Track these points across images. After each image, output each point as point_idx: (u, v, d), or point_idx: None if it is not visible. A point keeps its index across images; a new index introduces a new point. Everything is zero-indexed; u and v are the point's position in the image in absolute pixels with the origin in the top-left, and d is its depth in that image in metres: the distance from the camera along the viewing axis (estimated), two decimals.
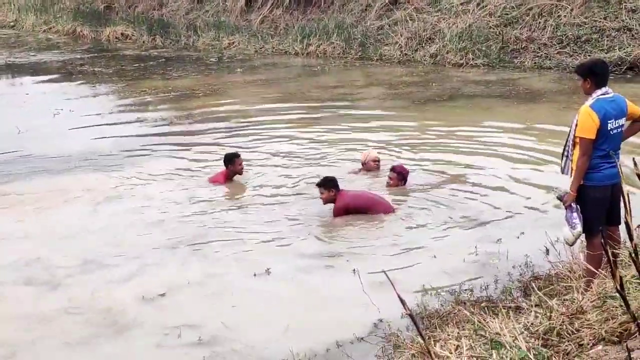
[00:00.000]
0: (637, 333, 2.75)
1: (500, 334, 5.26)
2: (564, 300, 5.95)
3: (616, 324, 4.96)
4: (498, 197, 10.97)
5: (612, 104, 6.94)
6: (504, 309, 6.36)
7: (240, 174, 12.33)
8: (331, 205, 10.60)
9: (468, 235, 9.57)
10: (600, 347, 4.83)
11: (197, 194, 11.72)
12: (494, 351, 5.04)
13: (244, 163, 12.41)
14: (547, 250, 8.31)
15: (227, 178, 12.25)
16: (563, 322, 5.25)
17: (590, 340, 4.96)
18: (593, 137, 6.84)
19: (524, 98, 18.09)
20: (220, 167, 12.48)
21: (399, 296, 2.36)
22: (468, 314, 6.20)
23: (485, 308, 6.72)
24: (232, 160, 12.22)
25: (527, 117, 15.84)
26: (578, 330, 5.12)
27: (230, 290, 8.35)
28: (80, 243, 9.86)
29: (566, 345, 4.99)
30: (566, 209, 7.14)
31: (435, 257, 8.92)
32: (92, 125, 16.90)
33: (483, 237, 9.41)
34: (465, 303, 7.24)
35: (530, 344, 5.03)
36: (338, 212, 10.49)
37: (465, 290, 7.76)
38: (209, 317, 7.63)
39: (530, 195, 10.98)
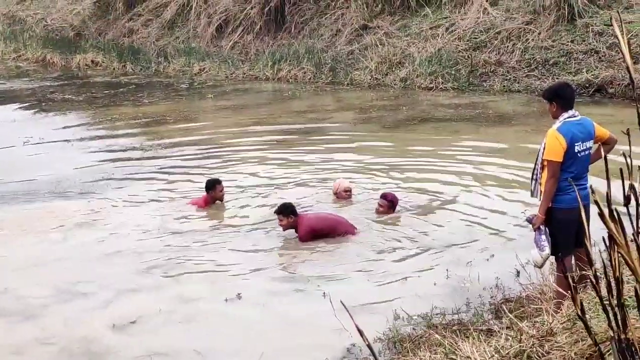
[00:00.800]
0: (600, 358, 2.78)
1: (471, 357, 5.28)
2: (535, 322, 5.97)
3: (585, 345, 4.99)
4: (468, 220, 11.01)
5: (579, 126, 7.03)
6: (475, 332, 6.38)
7: (221, 200, 12.36)
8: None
9: (438, 258, 9.60)
10: None
11: (168, 220, 11.68)
12: None
13: (224, 189, 12.44)
14: (518, 273, 8.38)
15: (207, 203, 12.27)
16: (533, 344, 5.27)
17: None
18: (560, 159, 6.91)
19: (493, 121, 18.22)
20: (197, 193, 12.57)
21: (357, 327, 2.37)
22: (439, 337, 6.21)
23: (457, 331, 6.74)
24: (213, 187, 12.24)
25: (497, 140, 15.95)
26: (548, 353, 5.14)
27: (202, 316, 8.33)
28: (50, 272, 9.78)
29: None
30: (535, 231, 7.20)
31: (406, 280, 8.94)
32: (63, 153, 16.80)
33: (453, 260, 9.44)
34: (437, 326, 7.26)
35: None
36: (306, 238, 10.44)
37: (437, 313, 7.77)
38: (180, 345, 7.59)
39: (500, 217, 11.04)
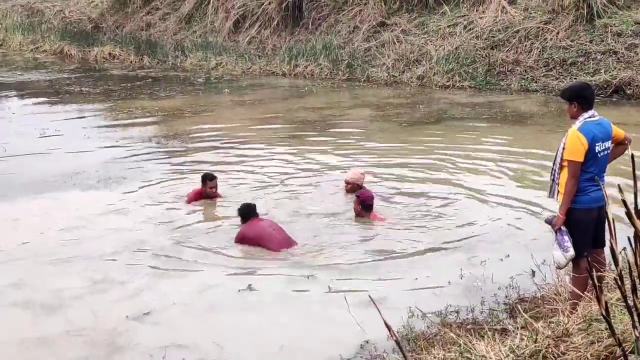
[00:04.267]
0: (622, 357, 2.75)
1: (486, 357, 5.26)
2: (550, 322, 5.95)
3: (601, 347, 4.96)
4: (483, 220, 10.96)
5: (599, 127, 6.99)
6: (490, 331, 6.36)
7: (211, 197, 12.31)
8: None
9: (453, 257, 9.56)
10: None
11: (182, 214, 11.72)
12: None
13: (217, 187, 12.39)
14: (533, 273, 8.34)
15: (197, 195, 12.28)
16: (549, 345, 5.24)
17: None
18: (582, 159, 6.87)
19: (510, 121, 18.15)
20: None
21: (385, 322, 2.35)
22: (454, 336, 6.19)
23: (472, 330, 6.72)
24: (204, 182, 12.25)
25: (514, 140, 15.90)
26: (564, 354, 5.12)
27: (218, 307, 8.35)
28: (66, 264, 9.79)
29: None
30: (556, 232, 7.14)
31: (419, 278, 8.90)
32: (79, 145, 16.81)
33: (468, 259, 9.39)
34: (451, 325, 7.23)
35: None
36: (236, 240, 10.46)
37: (451, 312, 7.75)
38: (198, 336, 7.59)
39: (516, 218, 10.97)
